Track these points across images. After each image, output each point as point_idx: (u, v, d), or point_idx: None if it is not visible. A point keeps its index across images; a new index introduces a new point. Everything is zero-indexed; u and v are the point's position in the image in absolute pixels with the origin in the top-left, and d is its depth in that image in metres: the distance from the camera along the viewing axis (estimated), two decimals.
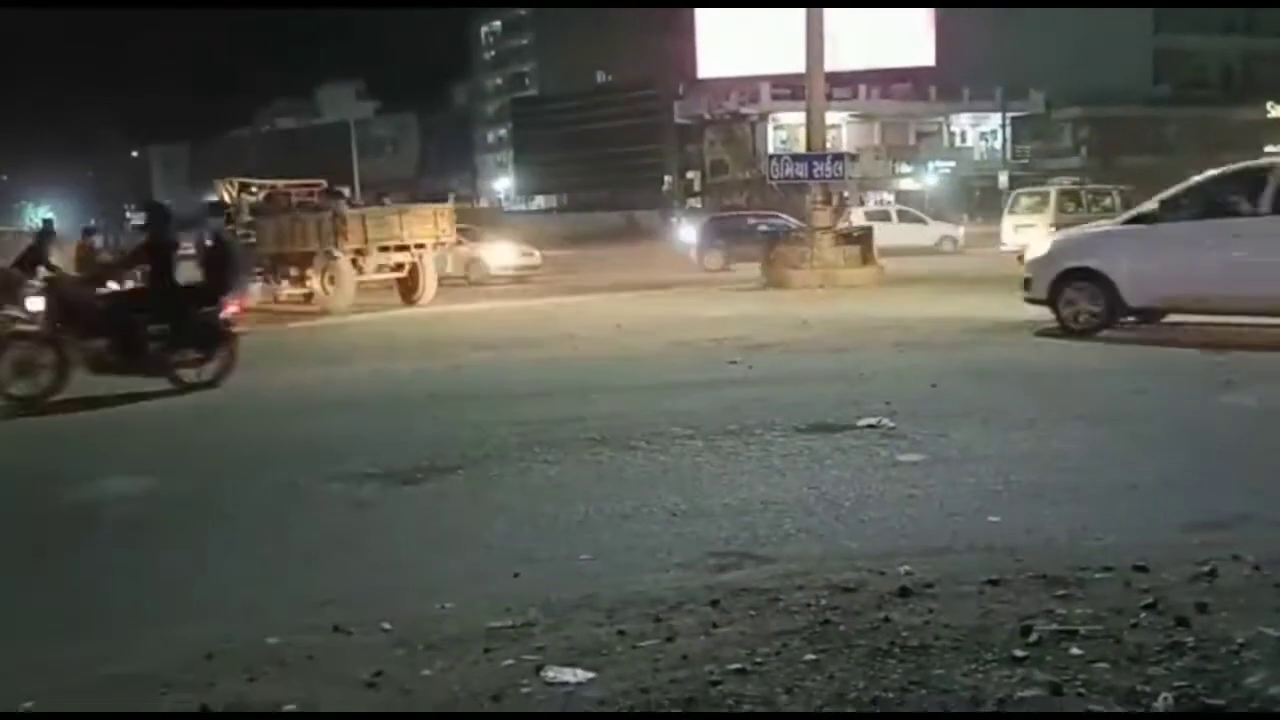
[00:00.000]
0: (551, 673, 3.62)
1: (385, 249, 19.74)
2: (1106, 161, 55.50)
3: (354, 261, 19.49)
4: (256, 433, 8.88)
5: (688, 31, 27.41)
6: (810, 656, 3.62)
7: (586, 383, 10.38)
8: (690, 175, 66.60)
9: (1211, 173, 12.09)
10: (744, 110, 56.59)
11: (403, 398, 10.05)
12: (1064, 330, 11.88)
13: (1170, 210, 11.65)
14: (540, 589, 4.59)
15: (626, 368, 11.34)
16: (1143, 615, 3.85)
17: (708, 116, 59.91)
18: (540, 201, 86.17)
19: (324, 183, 24.26)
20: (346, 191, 26.04)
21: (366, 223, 19.76)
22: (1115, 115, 58.66)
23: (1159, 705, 3.15)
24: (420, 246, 20.16)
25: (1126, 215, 13.17)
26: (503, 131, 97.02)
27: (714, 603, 4.23)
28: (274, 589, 4.98)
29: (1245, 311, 11.36)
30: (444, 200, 32.41)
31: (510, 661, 3.77)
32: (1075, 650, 3.56)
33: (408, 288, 20.48)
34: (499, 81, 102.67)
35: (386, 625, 4.23)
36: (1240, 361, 9.88)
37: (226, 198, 23.11)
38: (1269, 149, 60.09)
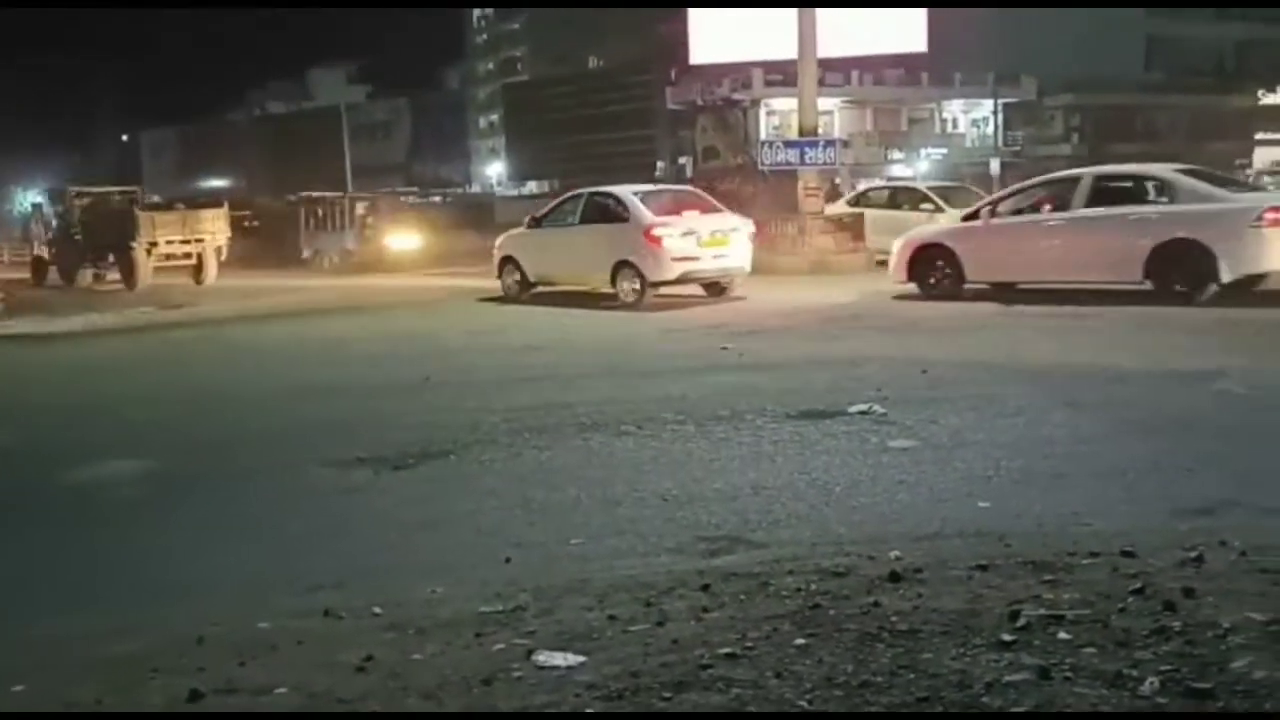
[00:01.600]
0: (542, 657, 3.63)
1: (171, 241, 25.41)
2: (1098, 149, 55.42)
3: (148, 251, 24.99)
4: (248, 417, 8.87)
5: (680, 17, 27.31)
6: (800, 641, 3.64)
7: (578, 368, 10.37)
8: (682, 161, 66.40)
9: (568, 194, 18.48)
10: (736, 96, 56.33)
11: (395, 381, 10.04)
12: (505, 297, 17.49)
13: (544, 219, 17.80)
14: (531, 573, 4.60)
15: (618, 353, 11.33)
16: (1130, 600, 3.87)
17: (700, 102, 59.64)
18: (532, 187, 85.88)
19: (137, 190, 31.23)
20: (156, 197, 33.45)
21: (155, 222, 25.54)
22: (1107, 102, 58.51)
23: (1145, 689, 3.17)
24: (200, 240, 25.72)
25: (525, 222, 18.55)
26: (495, 117, 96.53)
27: (704, 587, 4.25)
28: (265, 573, 4.99)
29: (583, 283, 16.75)
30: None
31: (501, 646, 3.78)
32: (1063, 635, 3.57)
33: (196, 270, 25.91)
34: (491, 66, 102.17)
35: (377, 609, 4.24)
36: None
37: (63, 204, 28.39)
38: (1260, 137, 60.32)
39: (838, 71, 46.88)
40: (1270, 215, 12.64)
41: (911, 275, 15.17)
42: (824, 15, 21.89)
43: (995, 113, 55.71)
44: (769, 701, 3.22)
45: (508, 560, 4.86)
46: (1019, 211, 14.84)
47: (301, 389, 10.21)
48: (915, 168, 57.69)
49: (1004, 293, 14.40)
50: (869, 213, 22.05)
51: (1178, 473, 5.96)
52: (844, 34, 22.87)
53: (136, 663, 3.83)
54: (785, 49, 22.64)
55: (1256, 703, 3.09)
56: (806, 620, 3.83)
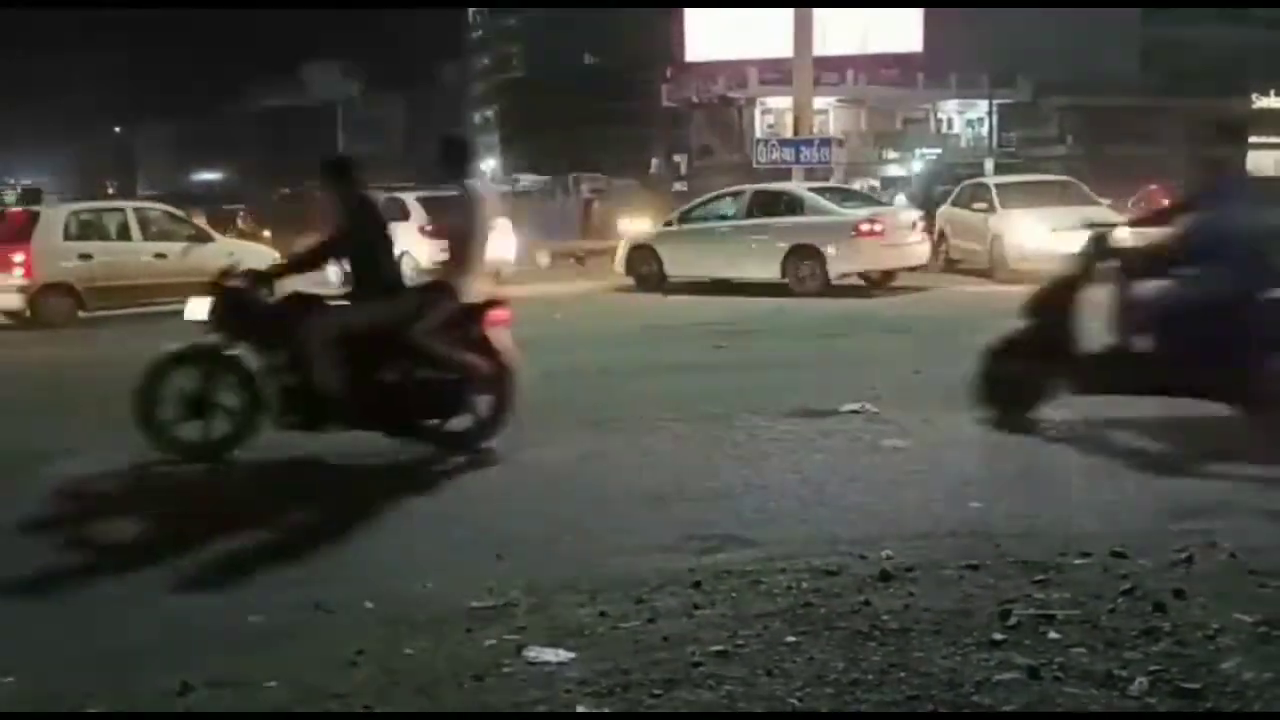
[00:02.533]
0: (533, 652, 3.63)
1: None
2: (1093, 150, 55.48)
3: None
4: None
5: (676, 14, 27.37)
6: (791, 638, 3.64)
7: (569, 365, 10.36)
8: (677, 159, 66.38)
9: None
10: (731, 94, 56.33)
11: None
12: None
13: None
14: (523, 570, 4.60)
15: (610, 351, 11.33)
16: (1120, 601, 3.88)
17: (695, 100, 59.65)
18: (526, 181, 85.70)
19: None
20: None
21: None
22: (1102, 104, 58.52)
23: (1135, 689, 3.18)
24: None
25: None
26: (490, 113, 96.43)
27: (696, 585, 4.25)
28: (256, 566, 4.98)
29: None
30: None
31: (492, 641, 3.78)
32: (1053, 634, 3.59)
33: None
34: (487, 62, 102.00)
35: (369, 604, 4.24)
36: None
37: None
38: (1254, 140, 60.37)
39: (833, 71, 46.88)
40: (864, 227, 15.75)
41: (629, 270, 17.62)
42: (820, 14, 21.95)
43: (990, 113, 55.72)
44: (759, 699, 3.23)
45: (499, 556, 4.85)
46: (702, 219, 17.64)
47: None
48: (910, 168, 57.78)
49: (703, 286, 16.51)
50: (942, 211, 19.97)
51: (1169, 474, 5.97)
52: (840, 33, 22.96)
53: (127, 654, 3.83)
54: (781, 47, 22.71)
55: (1245, 703, 3.11)
56: (798, 618, 3.84)
